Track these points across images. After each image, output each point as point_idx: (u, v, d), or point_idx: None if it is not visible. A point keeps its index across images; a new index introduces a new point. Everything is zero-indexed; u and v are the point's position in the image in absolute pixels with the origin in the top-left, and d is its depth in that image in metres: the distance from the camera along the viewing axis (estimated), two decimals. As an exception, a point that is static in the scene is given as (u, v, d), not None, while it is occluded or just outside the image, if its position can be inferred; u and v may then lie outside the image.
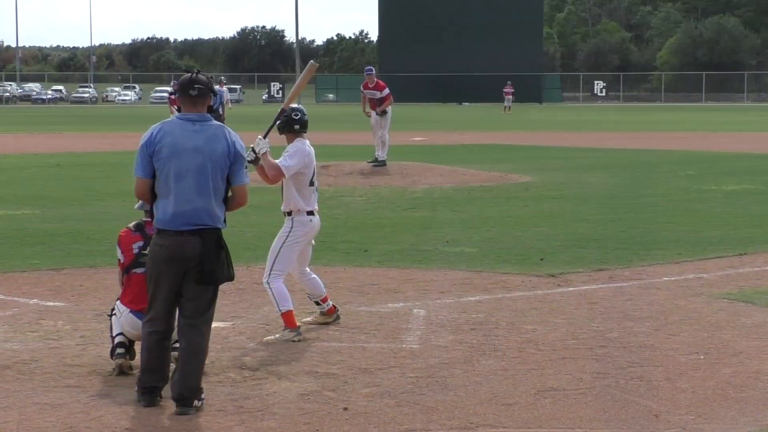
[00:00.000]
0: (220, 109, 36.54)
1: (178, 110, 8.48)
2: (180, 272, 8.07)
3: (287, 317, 10.21)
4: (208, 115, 8.26)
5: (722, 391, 8.57)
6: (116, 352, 9.08)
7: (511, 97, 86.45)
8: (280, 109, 10.37)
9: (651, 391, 8.55)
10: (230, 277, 8.29)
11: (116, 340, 9.13)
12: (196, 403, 8.10)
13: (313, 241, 10.74)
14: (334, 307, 10.95)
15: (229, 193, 8.31)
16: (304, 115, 10.38)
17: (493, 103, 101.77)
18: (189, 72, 8.36)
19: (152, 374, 8.22)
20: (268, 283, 10.26)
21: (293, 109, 10.35)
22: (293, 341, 10.07)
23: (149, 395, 8.20)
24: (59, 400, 8.27)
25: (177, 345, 8.32)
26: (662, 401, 8.30)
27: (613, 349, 9.88)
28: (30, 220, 19.05)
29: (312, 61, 11.03)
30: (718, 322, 11.03)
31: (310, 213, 10.37)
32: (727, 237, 16.98)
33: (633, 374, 9.02)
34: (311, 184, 10.37)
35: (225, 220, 8.27)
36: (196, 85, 8.15)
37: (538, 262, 14.61)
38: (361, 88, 27.37)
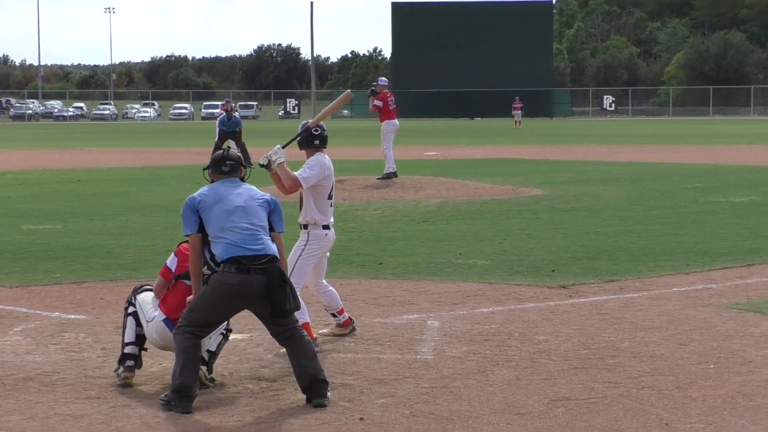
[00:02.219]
0: (239, 134, 36.82)
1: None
2: (242, 307, 8.53)
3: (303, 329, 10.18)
4: (239, 180, 8.86)
5: (732, 400, 8.53)
6: (126, 364, 9.05)
7: (520, 112, 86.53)
8: (304, 126, 10.38)
9: (662, 400, 8.51)
10: (297, 308, 8.67)
11: (127, 349, 9.10)
12: (328, 396, 8.40)
13: (328, 253, 10.73)
14: (350, 319, 10.94)
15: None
16: (324, 131, 10.41)
17: (505, 117, 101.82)
18: (222, 150, 8.99)
19: (191, 372, 8.29)
20: None
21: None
22: None
23: (187, 400, 8.22)
24: (81, 411, 8.27)
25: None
26: (673, 410, 8.26)
27: (624, 359, 9.85)
28: (52, 235, 19.08)
29: (349, 90, 11.19)
30: (728, 331, 10.98)
31: (326, 227, 10.36)
32: (735, 248, 16.92)
33: (644, 383, 8.99)
34: (329, 197, 10.36)
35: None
36: (228, 162, 8.80)
37: (549, 274, 14.58)
38: (379, 104, 26.90)
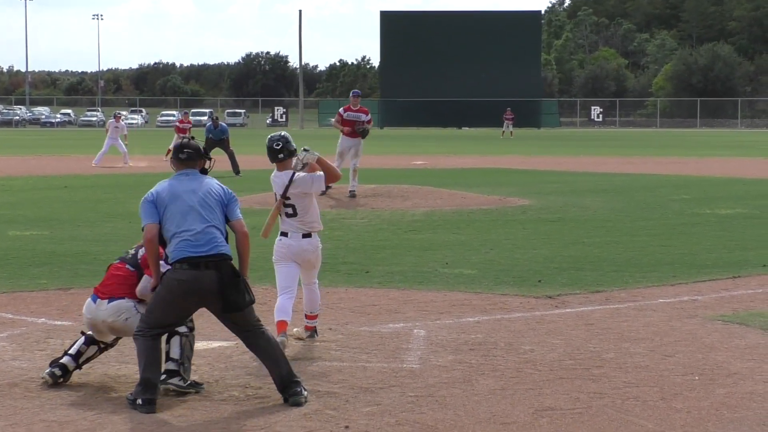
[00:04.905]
0: (227, 142, 37.12)
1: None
2: (197, 305, 8.64)
3: (277, 325, 10.45)
4: (197, 171, 8.98)
5: (717, 412, 8.55)
6: (53, 369, 9.20)
7: (511, 122, 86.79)
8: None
9: (647, 411, 8.54)
10: (251, 302, 8.72)
11: (64, 359, 9.28)
12: (303, 392, 8.57)
13: (316, 263, 10.80)
14: (313, 327, 11.05)
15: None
16: (271, 143, 10.59)
17: (492, 127, 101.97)
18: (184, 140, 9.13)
19: (154, 369, 8.51)
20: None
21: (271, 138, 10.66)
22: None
23: (150, 392, 8.42)
24: (66, 418, 8.27)
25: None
26: (658, 421, 8.28)
27: (609, 369, 9.87)
28: (38, 241, 19.06)
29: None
30: (713, 343, 11.02)
31: (283, 234, 10.68)
32: (722, 260, 16.97)
33: (629, 394, 9.01)
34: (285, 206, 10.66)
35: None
36: (185, 150, 8.98)
37: (536, 284, 14.61)
38: (341, 111, 26.45)
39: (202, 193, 8.74)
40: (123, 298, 9.02)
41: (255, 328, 8.73)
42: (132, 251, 9.28)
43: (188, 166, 8.97)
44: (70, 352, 9.32)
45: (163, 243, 8.76)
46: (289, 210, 10.59)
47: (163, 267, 8.87)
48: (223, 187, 8.96)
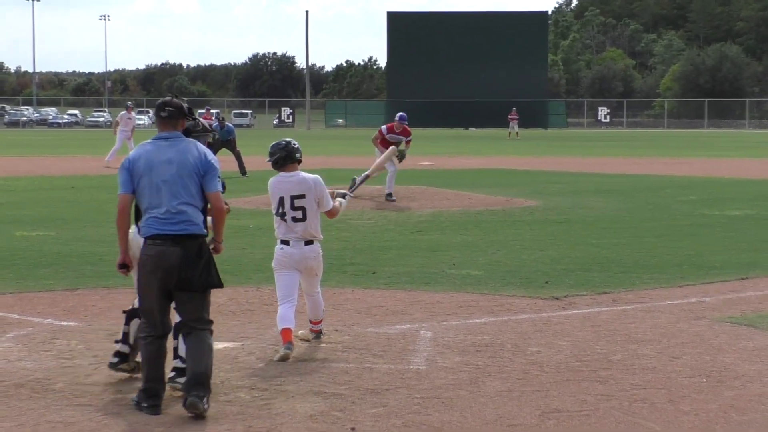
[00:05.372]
0: (233, 142, 37.01)
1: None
2: (165, 280, 8.39)
3: (282, 334, 10.38)
4: (180, 133, 8.67)
5: (725, 414, 8.53)
6: (111, 359, 9.31)
7: (515, 122, 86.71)
8: (364, 175, 11.60)
9: (654, 413, 8.51)
10: (211, 285, 8.52)
11: (117, 345, 9.35)
12: (205, 401, 8.26)
13: (318, 271, 10.76)
14: (318, 332, 11.05)
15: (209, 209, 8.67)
16: (276, 149, 10.61)
17: (499, 128, 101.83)
18: (169, 96, 8.78)
19: (153, 376, 8.46)
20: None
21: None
22: (281, 357, 10.15)
23: (154, 399, 8.40)
24: (72, 419, 8.26)
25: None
26: (665, 423, 8.26)
27: (616, 371, 9.85)
28: (45, 242, 19.07)
29: (393, 146, 12.03)
30: (720, 345, 10.99)
31: (284, 242, 10.52)
32: (729, 261, 16.94)
33: (636, 396, 8.99)
34: (276, 214, 10.54)
35: (206, 227, 8.59)
36: (167, 107, 8.65)
37: (543, 285, 14.59)
38: (384, 130, 26.24)
39: (177, 165, 8.44)
40: None
41: (197, 324, 8.49)
42: None
43: (170, 126, 8.63)
44: (118, 339, 9.42)
45: (138, 213, 8.64)
46: (298, 214, 10.50)
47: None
48: (203, 153, 8.60)
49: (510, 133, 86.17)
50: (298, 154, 10.63)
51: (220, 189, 8.66)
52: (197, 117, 9.23)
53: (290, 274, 10.55)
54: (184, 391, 8.40)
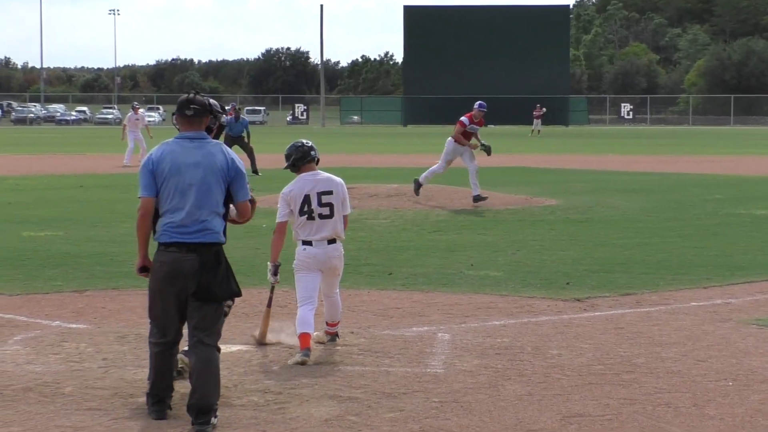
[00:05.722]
0: (245, 137, 36.54)
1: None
2: (181, 289, 8.23)
3: (300, 339, 10.39)
4: (205, 133, 8.48)
5: (751, 419, 8.52)
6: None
7: (540, 120, 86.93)
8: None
9: (678, 418, 8.51)
10: (231, 294, 8.41)
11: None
12: (213, 420, 8.19)
13: (340, 270, 10.77)
14: (334, 334, 11.06)
15: (231, 209, 8.58)
16: (290, 150, 10.65)
17: (519, 125, 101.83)
18: (190, 93, 8.57)
19: (160, 385, 8.42)
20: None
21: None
22: (297, 362, 10.14)
23: (159, 405, 8.39)
24: (81, 423, 8.28)
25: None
26: (690, 428, 8.25)
27: (640, 374, 9.84)
28: (53, 242, 19.12)
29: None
30: (747, 348, 10.97)
31: (306, 243, 10.51)
32: (756, 262, 16.90)
33: (660, 400, 8.98)
34: (301, 214, 10.50)
35: (225, 234, 8.46)
36: (192, 106, 8.41)
37: (564, 287, 14.58)
38: (466, 121, 25.61)
39: (204, 169, 8.26)
40: None
41: (207, 337, 8.29)
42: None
43: (196, 125, 8.42)
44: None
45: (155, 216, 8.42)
46: (326, 210, 10.50)
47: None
48: (230, 158, 8.40)
49: (533, 131, 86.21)
50: (313, 152, 10.66)
51: (249, 197, 8.56)
52: (223, 113, 9.06)
53: (312, 275, 10.55)
54: (189, 414, 8.21)
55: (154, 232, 8.44)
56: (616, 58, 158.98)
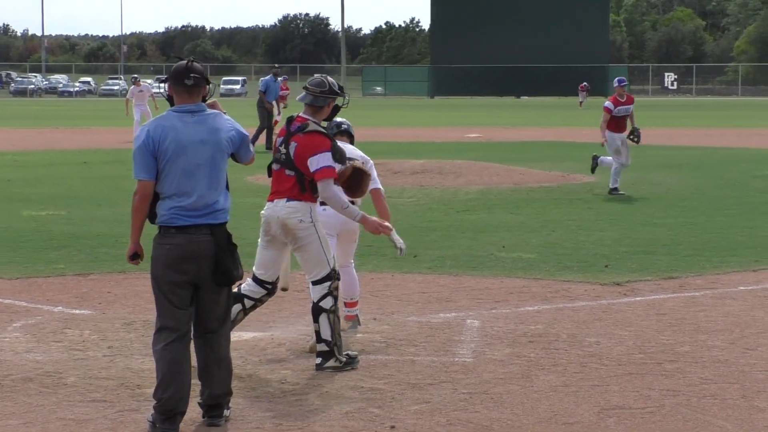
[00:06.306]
0: (276, 107, 37.03)
1: (169, 99, 8.29)
2: (193, 273, 7.97)
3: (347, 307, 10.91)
4: (203, 104, 8.19)
5: (804, 412, 8.50)
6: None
7: (586, 93, 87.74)
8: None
9: (725, 411, 8.49)
10: (240, 277, 8.26)
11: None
12: (225, 412, 8.19)
13: (356, 236, 10.90)
14: (354, 316, 11.12)
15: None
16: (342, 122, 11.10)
17: (555, 96, 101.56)
18: (182, 59, 8.24)
19: (172, 398, 7.93)
20: None
21: None
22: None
23: (169, 423, 7.95)
24: (85, 416, 8.31)
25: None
26: (738, 422, 8.24)
27: (684, 364, 9.83)
28: (55, 222, 19.20)
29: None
30: (800, 335, 10.95)
31: (323, 204, 10.18)
32: (810, 243, 16.85)
33: (706, 392, 8.97)
34: None
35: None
36: (192, 74, 8.08)
37: (602, 269, 14.57)
38: (611, 107, 24.00)
39: (211, 147, 7.99)
40: (298, 200, 9.49)
41: (221, 327, 8.18)
42: (283, 150, 9.56)
43: (195, 96, 8.08)
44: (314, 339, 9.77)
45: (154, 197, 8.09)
46: None
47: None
48: (231, 125, 8.19)
49: (581, 102, 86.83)
50: (344, 126, 11.07)
51: (251, 158, 8.41)
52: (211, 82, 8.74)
53: (330, 238, 10.54)
54: (201, 408, 8.18)
55: (154, 215, 8.13)
56: (660, 24, 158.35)
